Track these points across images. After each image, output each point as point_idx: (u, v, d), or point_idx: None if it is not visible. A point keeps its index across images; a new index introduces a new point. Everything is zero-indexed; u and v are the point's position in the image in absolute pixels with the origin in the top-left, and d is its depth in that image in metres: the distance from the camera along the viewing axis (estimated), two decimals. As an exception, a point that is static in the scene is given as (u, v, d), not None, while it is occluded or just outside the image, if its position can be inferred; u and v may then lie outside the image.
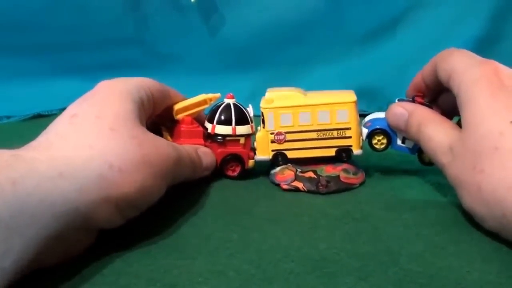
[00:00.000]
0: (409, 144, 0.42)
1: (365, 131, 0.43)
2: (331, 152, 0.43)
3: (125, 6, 0.70)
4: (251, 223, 0.35)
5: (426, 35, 0.68)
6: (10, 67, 0.74)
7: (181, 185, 0.42)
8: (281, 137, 0.43)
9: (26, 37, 0.72)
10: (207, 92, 0.45)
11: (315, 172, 0.42)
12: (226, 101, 0.44)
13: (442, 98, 0.42)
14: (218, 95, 0.45)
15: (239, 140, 0.44)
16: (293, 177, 0.42)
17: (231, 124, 0.43)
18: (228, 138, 0.43)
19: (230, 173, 0.44)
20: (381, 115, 0.43)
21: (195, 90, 0.68)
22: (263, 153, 0.44)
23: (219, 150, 0.43)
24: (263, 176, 0.45)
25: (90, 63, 0.72)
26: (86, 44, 0.72)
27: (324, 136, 0.43)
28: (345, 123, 0.43)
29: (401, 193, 0.41)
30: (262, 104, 0.43)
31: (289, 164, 0.44)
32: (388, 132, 0.42)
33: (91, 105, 0.33)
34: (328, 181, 0.41)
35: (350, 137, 0.43)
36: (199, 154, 0.41)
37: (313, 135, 0.43)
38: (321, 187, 0.41)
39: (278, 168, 0.43)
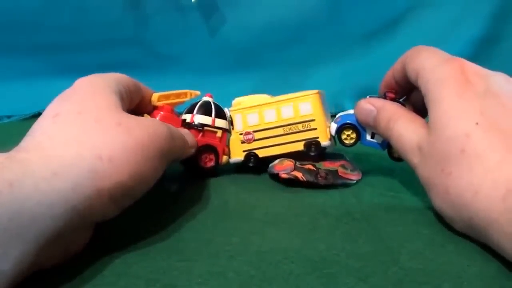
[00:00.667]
0: (378, 139, 0.42)
1: (334, 126, 0.43)
2: (300, 146, 0.44)
3: (125, 6, 0.70)
4: (251, 225, 0.35)
5: (427, 35, 0.68)
6: (10, 67, 0.74)
7: (181, 189, 0.42)
8: (250, 136, 0.44)
9: (26, 37, 0.72)
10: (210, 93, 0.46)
11: (314, 165, 0.42)
12: (205, 98, 0.45)
13: (413, 96, 0.42)
14: (198, 92, 0.46)
15: (216, 132, 0.44)
16: (293, 167, 0.42)
17: (210, 116, 0.44)
18: (206, 128, 0.44)
19: (204, 164, 0.44)
20: (351, 111, 0.43)
21: (196, 90, 0.69)
22: (236, 155, 0.45)
23: (196, 139, 0.43)
24: (264, 174, 0.45)
25: (90, 63, 0.72)
26: (86, 44, 0.72)
27: (290, 131, 0.43)
28: (309, 115, 0.43)
29: (401, 193, 0.41)
30: (231, 108, 0.45)
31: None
32: (357, 126, 0.42)
33: (72, 103, 0.33)
34: (327, 174, 0.41)
35: (315, 128, 0.43)
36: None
37: (280, 131, 0.44)
38: (320, 178, 0.41)
39: (277, 160, 0.44)
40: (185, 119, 0.44)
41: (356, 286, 0.27)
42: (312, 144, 0.43)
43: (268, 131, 0.44)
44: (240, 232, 0.34)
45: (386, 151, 0.42)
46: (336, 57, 0.71)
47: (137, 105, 0.41)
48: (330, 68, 0.70)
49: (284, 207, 0.39)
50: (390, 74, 0.42)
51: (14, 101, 0.72)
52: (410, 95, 0.42)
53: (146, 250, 0.32)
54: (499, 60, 0.66)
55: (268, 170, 0.44)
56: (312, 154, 0.43)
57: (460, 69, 0.33)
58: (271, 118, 0.44)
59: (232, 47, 0.71)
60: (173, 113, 0.44)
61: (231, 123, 0.45)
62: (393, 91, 0.42)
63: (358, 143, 0.43)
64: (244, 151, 0.45)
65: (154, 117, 0.43)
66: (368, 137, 0.42)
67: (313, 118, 0.43)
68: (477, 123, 0.30)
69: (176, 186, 0.44)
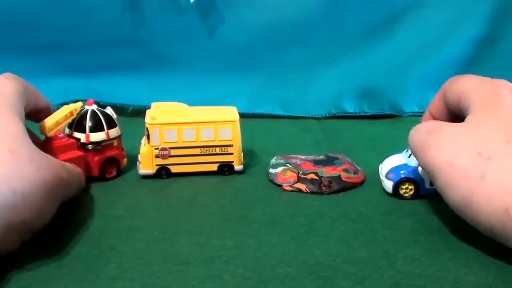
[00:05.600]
0: None
1: (389, 183, 0.40)
2: (214, 167, 0.45)
3: (124, 7, 0.70)
4: (247, 228, 0.35)
5: (426, 35, 0.67)
6: (10, 67, 0.74)
7: (180, 193, 0.42)
8: (166, 152, 0.44)
9: (26, 37, 0.72)
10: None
11: (316, 174, 0.42)
12: (89, 108, 0.44)
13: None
14: (80, 104, 0.44)
15: (113, 143, 0.44)
16: (296, 178, 0.42)
17: (103, 130, 0.43)
18: (104, 143, 0.43)
19: (109, 175, 0.44)
20: (398, 161, 0.41)
21: (195, 91, 0.68)
22: (147, 167, 0.44)
23: (97, 157, 0.43)
24: (261, 175, 0.45)
25: (89, 64, 0.72)
26: (86, 45, 0.72)
27: (207, 152, 0.45)
28: (228, 140, 0.44)
29: (399, 197, 0.40)
30: (147, 120, 0.44)
31: (289, 165, 0.44)
32: (414, 178, 0.40)
33: None
34: (330, 182, 0.41)
35: (232, 153, 0.45)
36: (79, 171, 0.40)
37: (197, 151, 0.44)
38: (323, 188, 0.41)
39: (279, 169, 0.44)
40: (79, 139, 0.43)
41: (352, 289, 0.27)
42: (226, 167, 0.45)
43: (185, 149, 0.44)
44: (236, 235, 0.34)
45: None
46: (335, 57, 0.70)
47: (30, 113, 0.39)
48: (330, 68, 0.70)
49: (280, 208, 0.38)
50: (429, 109, 0.40)
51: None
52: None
53: (141, 256, 0.31)
54: (498, 61, 0.66)
55: (269, 176, 0.44)
56: (227, 174, 0.45)
57: (493, 90, 0.33)
58: (190, 137, 0.44)
59: (231, 48, 0.71)
60: (65, 137, 0.42)
61: (147, 136, 0.44)
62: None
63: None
64: (157, 165, 0.44)
65: (52, 148, 0.40)
66: (427, 186, 0.39)
67: (232, 143, 0.44)
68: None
69: None
